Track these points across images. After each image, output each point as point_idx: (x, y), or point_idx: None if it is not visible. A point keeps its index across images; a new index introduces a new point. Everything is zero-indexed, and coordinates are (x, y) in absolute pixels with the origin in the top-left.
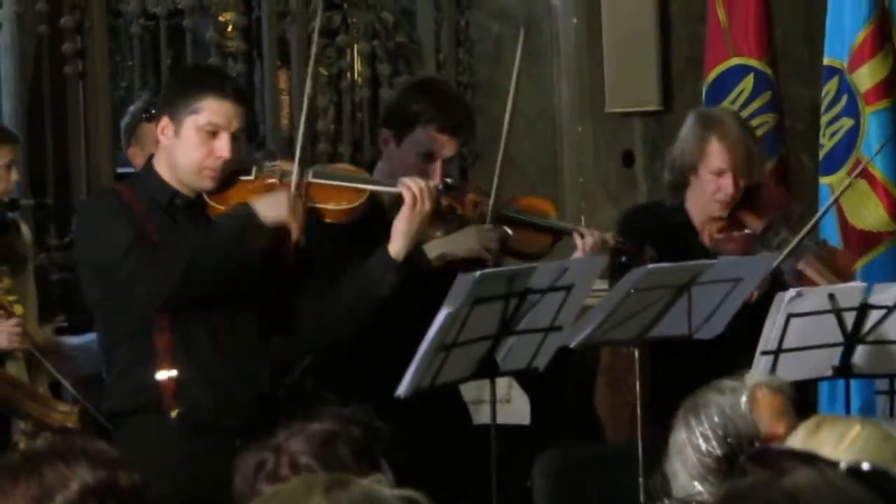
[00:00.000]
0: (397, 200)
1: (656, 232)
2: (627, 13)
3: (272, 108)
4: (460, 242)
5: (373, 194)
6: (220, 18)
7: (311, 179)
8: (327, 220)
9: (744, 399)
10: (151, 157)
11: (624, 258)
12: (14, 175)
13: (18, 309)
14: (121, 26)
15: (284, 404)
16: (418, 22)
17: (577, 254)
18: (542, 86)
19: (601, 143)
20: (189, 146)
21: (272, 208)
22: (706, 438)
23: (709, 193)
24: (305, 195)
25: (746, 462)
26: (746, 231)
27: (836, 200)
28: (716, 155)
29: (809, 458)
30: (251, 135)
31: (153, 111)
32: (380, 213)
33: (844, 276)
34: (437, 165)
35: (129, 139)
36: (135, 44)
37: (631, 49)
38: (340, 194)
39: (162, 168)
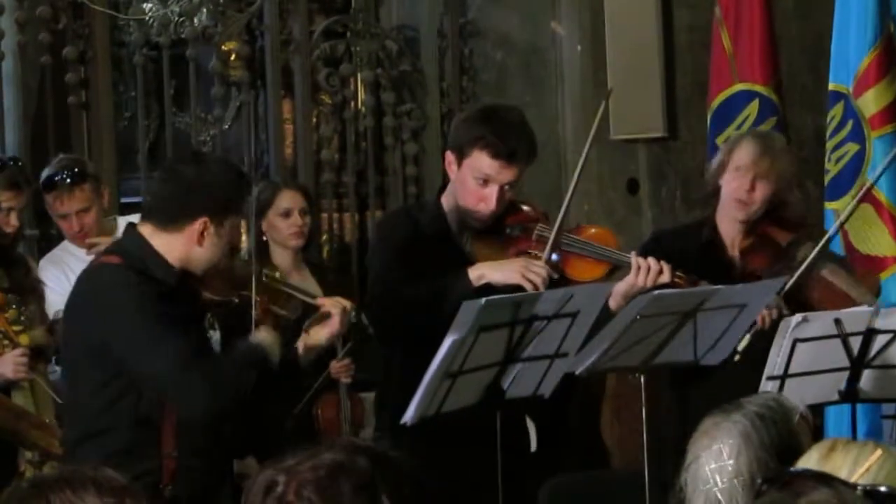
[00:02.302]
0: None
1: (686, 253)
2: (632, 41)
3: (276, 137)
4: (502, 270)
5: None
6: (223, 48)
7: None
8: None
9: (796, 419)
10: (136, 229)
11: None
12: (14, 220)
13: (24, 339)
14: (124, 56)
15: (292, 434)
16: (422, 50)
17: (630, 276)
18: (546, 114)
19: (606, 170)
20: (216, 246)
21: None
22: (766, 450)
23: (730, 191)
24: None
25: (763, 484)
26: (774, 246)
27: (842, 224)
28: (741, 155)
29: (827, 479)
30: (256, 163)
31: (47, 184)
32: (451, 242)
33: (871, 286)
34: (493, 191)
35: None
36: (138, 74)
37: (635, 76)
38: (285, 300)
39: (171, 253)
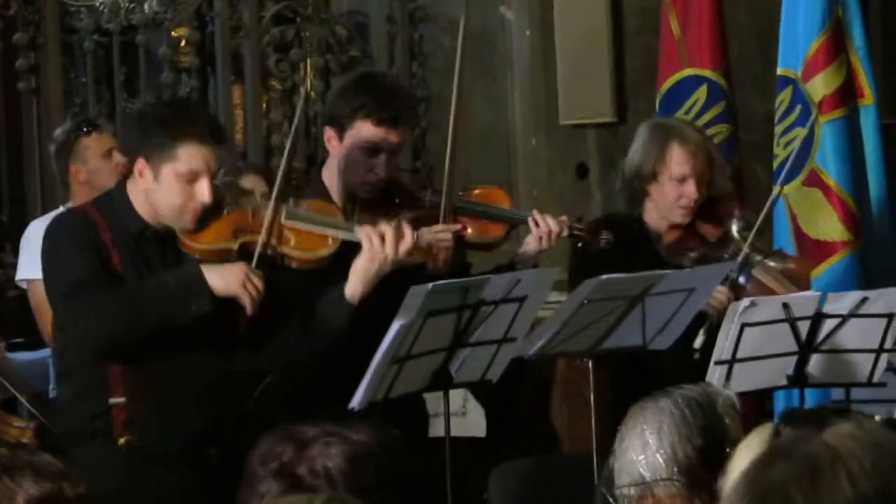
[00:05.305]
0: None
1: (621, 241)
2: (581, 26)
3: (226, 123)
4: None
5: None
6: (173, 34)
7: (283, 221)
8: (295, 266)
9: (720, 402)
10: (124, 181)
11: (580, 243)
12: None
13: None
14: (74, 42)
15: (252, 417)
16: (372, 36)
17: (532, 240)
18: (495, 99)
19: (555, 155)
20: (169, 192)
21: (224, 280)
22: (688, 426)
23: (671, 200)
24: (276, 238)
25: (780, 425)
26: (701, 241)
27: (770, 207)
28: (677, 161)
29: (844, 412)
30: None
31: (87, 128)
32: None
33: (801, 282)
34: (381, 159)
35: (66, 157)
36: (88, 60)
37: (584, 61)
38: (310, 241)
39: (136, 199)
